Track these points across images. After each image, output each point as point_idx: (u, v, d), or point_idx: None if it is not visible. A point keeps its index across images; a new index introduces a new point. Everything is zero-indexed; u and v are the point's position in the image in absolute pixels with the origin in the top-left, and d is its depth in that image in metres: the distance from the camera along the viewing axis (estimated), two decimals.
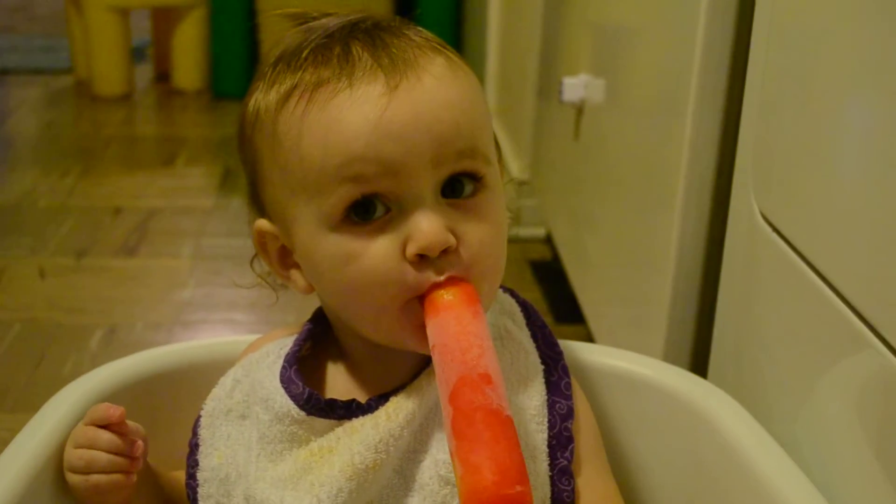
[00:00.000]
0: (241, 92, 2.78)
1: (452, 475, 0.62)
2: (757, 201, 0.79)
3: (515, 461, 0.55)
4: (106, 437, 0.66)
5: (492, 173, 0.64)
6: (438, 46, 0.64)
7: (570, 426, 0.67)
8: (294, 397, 0.65)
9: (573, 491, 0.66)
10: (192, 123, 2.82)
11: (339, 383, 0.69)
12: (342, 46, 0.62)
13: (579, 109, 1.39)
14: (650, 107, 1.07)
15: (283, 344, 0.71)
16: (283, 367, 0.67)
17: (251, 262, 0.72)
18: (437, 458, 0.64)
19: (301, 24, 0.67)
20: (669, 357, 0.96)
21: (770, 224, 0.76)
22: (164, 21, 3.14)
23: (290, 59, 0.64)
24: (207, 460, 0.69)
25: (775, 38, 0.78)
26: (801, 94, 0.73)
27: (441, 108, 0.60)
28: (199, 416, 0.71)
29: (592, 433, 0.70)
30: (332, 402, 0.65)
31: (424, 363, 0.66)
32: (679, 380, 0.77)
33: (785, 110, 0.76)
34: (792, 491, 0.64)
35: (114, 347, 1.52)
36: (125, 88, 3.01)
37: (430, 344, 0.60)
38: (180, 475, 0.73)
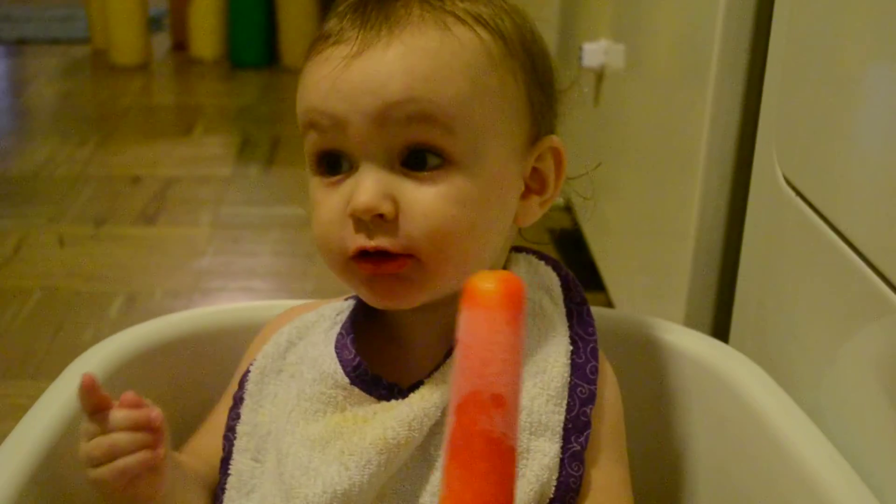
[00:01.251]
0: (258, 61, 2.78)
1: None
2: (780, 166, 0.79)
3: (501, 495, 0.52)
4: (117, 415, 0.61)
5: (467, 152, 0.62)
6: (454, 19, 0.63)
7: (589, 411, 0.66)
8: (344, 363, 0.66)
9: (581, 477, 0.65)
10: (210, 93, 2.82)
11: (383, 359, 0.68)
12: (363, 4, 0.64)
13: (599, 75, 1.38)
14: (672, 72, 1.07)
15: (338, 309, 0.71)
16: (341, 333, 0.68)
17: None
18: None
19: None
20: (690, 325, 0.96)
21: (793, 188, 0.76)
22: None
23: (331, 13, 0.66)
24: (251, 415, 0.69)
25: (798, 1, 0.77)
26: (825, 58, 0.72)
27: (396, 73, 0.61)
28: (248, 371, 0.70)
29: (615, 421, 0.69)
30: (377, 380, 0.66)
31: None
32: (702, 345, 0.77)
33: (808, 74, 0.75)
34: (816, 456, 0.64)
35: (133, 315, 1.52)
36: (142, 58, 3.00)
37: (457, 334, 0.55)
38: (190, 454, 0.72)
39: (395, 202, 0.61)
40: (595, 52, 1.34)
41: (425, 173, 0.62)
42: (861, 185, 0.66)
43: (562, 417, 0.65)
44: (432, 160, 0.62)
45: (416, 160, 0.62)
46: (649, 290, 1.14)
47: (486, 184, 0.63)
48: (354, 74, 0.61)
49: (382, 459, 0.62)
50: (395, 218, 0.61)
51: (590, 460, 0.66)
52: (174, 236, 1.85)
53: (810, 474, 0.63)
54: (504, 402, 0.54)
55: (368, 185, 0.61)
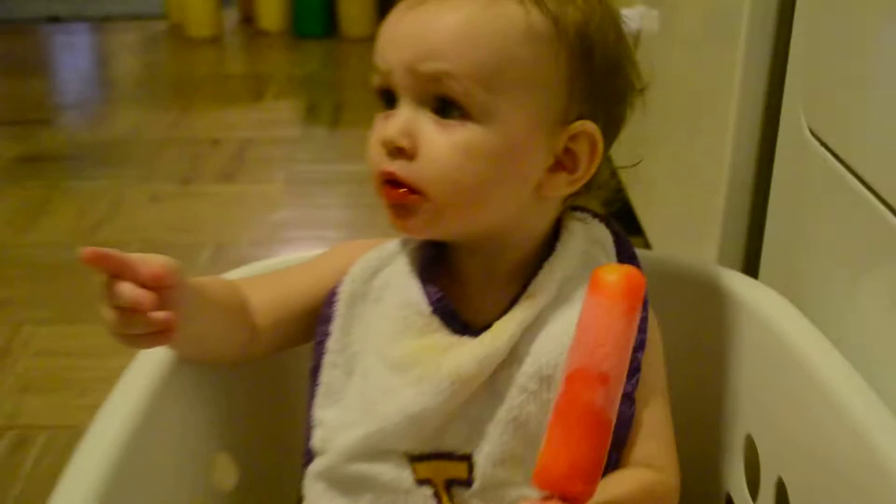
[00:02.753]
0: (319, 31, 2.79)
1: (530, 385, 0.64)
2: (806, 118, 0.79)
3: (591, 463, 0.55)
4: (126, 288, 0.57)
5: (485, 112, 0.62)
6: None
7: (640, 357, 0.67)
8: (429, 294, 0.67)
9: (632, 415, 0.66)
10: (277, 62, 2.82)
11: (453, 297, 0.69)
12: None
13: (636, 39, 1.37)
14: (703, 33, 1.06)
15: (419, 244, 0.71)
16: (424, 265, 0.69)
17: None
18: (520, 371, 0.65)
19: None
20: (723, 264, 0.95)
21: (818, 139, 0.76)
22: None
23: None
24: (341, 333, 0.70)
25: None
26: (847, 15, 0.72)
27: (430, 31, 0.63)
28: (336, 292, 0.70)
29: (659, 364, 0.70)
30: (455, 315, 0.67)
31: (521, 289, 0.67)
32: (734, 281, 0.77)
33: (832, 31, 0.75)
34: (839, 378, 0.65)
35: (221, 263, 1.55)
36: (215, 31, 3.01)
37: (580, 315, 0.57)
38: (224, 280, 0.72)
39: (414, 140, 0.63)
40: (632, 17, 1.33)
41: (447, 121, 0.63)
42: (881, 135, 0.66)
43: None
44: (454, 111, 0.63)
45: (442, 108, 0.63)
46: (684, 233, 1.14)
47: (502, 143, 0.63)
48: (403, 27, 0.64)
49: (454, 389, 0.64)
50: (415, 154, 0.63)
51: (639, 400, 0.67)
52: (252, 192, 1.88)
53: (835, 395, 0.64)
54: (608, 381, 0.56)
55: (397, 121, 0.63)
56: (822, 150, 0.75)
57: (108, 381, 0.67)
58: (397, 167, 0.63)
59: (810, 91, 0.79)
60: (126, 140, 2.17)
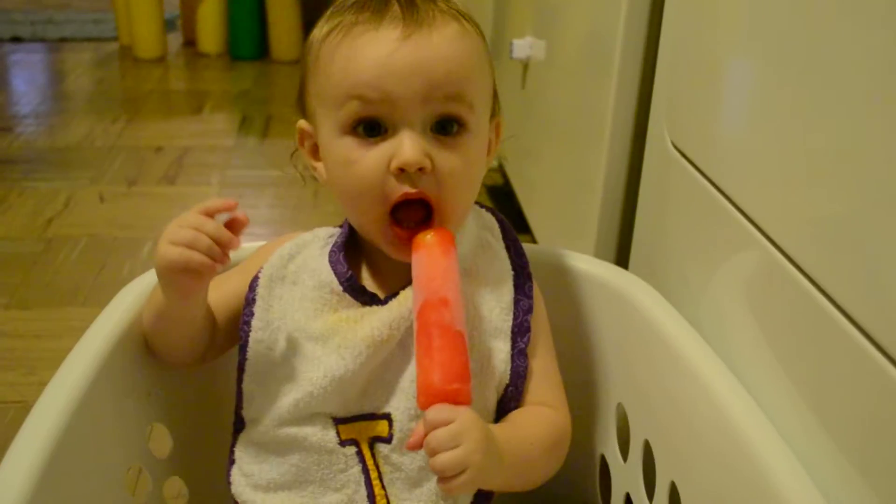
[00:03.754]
0: (252, 54, 2.75)
1: None
2: (669, 133, 0.79)
3: (457, 365, 0.56)
4: (211, 224, 0.60)
5: (476, 122, 0.63)
6: (459, 15, 0.64)
7: (529, 319, 0.67)
8: (338, 275, 0.66)
9: (526, 367, 0.67)
10: (215, 80, 2.76)
11: (364, 275, 0.69)
12: (385, 1, 0.62)
13: (525, 65, 1.37)
14: (583, 62, 1.06)
15: (329, 233, 0.71)
16: (333, 250, 0.68)
17: (291, 156, 0.71)
18: None
19: None
20: (598, 257, 0.96)
21: (679, 151, 0.77)
22: None
23: (344, 3, 0.64)
24: (263, 312, 0.67)
25: (682, 5, 0.78)
26: (701, 50, 0.73)
27: (438, 60, 0.60)
28: (257, 278, 0.68)
29: (544, 326, 0.70)
30: (363, 289, 0.66)
31: None
32: (608, 271, 0.78)
33: (689, 62, 0.75)
34: (698, 358, 0.65)
35: None
36: (160, 52, 2.94)
37: (413, 275, 0.61)
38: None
39: (430, 159, 0.61)
40: (522, 46, 1.33)
41: (448, 138, 0.62)
42: (731, 149, 0.67)
43: (510, 324, 0.67)
44: (454, 127, 0.62)
45: (443, 127, 0.62)
46: (566, 231, 1.15)
47: (481, 146, 0.65)
48: (404, 57, 0.59)
49: (370, 352, 0.63)
50: (432, 172, 0.61)
51: (531, 355, 0.67)
52: (190, 193, 1.82)
53: (692, 368, 0.64)
54: (448, 302, 0.59)
55: (413, 146, 0.60)
56: (683, 160, 0.76)
57: (54, 361, 0.64)
58: (425, 186, 0.61)
59: (672, 111, 0.79)
60: (78, 147, 2.09)
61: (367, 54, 0.60)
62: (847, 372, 0.50)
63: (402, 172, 0.60)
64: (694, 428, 0.63)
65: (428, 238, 0.61)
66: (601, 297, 0.77)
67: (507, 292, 0.68)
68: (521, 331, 0.67)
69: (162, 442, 0.74)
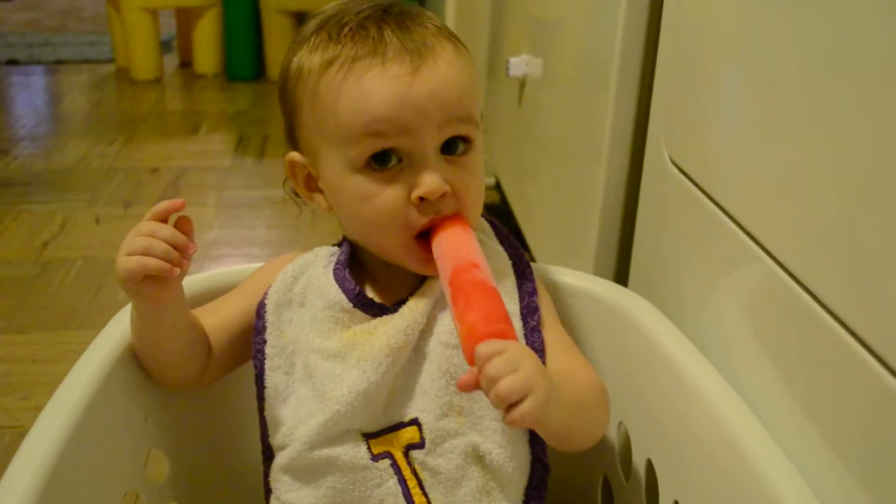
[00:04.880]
0: (249, 75, 2.76)
1: (452, 340, 0.64)
2: (667, 150, 0.79)
3: (498, 309, 0.57)
4: (167, 229, 0.61)
5: (478, 136, 0.65)
6: (448, 34, 0.65)
7: (535, 299, 0.69)
8: (346, 292, 0.67)
9: (542, 341, 0.67)
10: (211, 101, 2.77)
11: (368, 289, 0.69)
12: (376, 29, 0.63)
13: (522, 83, 1.38)
14: (580, 80, 1.07)
15: (330, 252, 0.71)
16: (338, 268, 0.68)
17: (283, 183, 0.72)
18: (439, 331, 0.66)
19: None
20: (597, 275, 0.96)
21: (677, 167, 0.77)
22: (187, 18, 3.07)
23: (332, 32, 0.63)
24: (275, 339, 0.68)
25: (679, 24, 0.78)
26: (698, 67, 0.73)
27: (449, 86, 0.62)
28: (264, 304, 0.68)
29: (549, 303, 0.71)
30: (371, 301, 0.67)
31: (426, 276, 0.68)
32: (607, 289, 0.78)
33: (686, 79, 0.76)
34: (699, 374, 0.65)
35: None
36: (156, 74, 2.95)
37: (435, 257, 0.63)
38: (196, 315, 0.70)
39: (448, 182, 0.63)
40: (518, 64, 1.33)
41: (457, 157, 0.64)
42: (729, 164, 0.66)
43: (517, 306, 0.68)
44: (461, 146, 0.64)
45: (451, 147, 0.63)
46: (564, 249, 1.15)
47: (482, 157, 0.67)
48: (419, 91, 0.60)
49: (390, 361, 0.64)
50: (451, 195, 0.63)
51: (544, 330, 0.68)
52: (187, 214, 1.81)
53: (693, 385, 0.64)
54: (477, 265, 0.61)
55: (433, 176, 0.62)
56: (681, 176, 0.76)
57: (51, 385, 0.64)
58: (445, 208, 0.63)
59: (670, 127, 0.79)
60: (75, 168, 2.09)
61: (381, 92, 0.60)
62: (849, 386, 0.50)
63: (422, 202, 0.62)
64: (696, 446, 0.62)
65: (446, 223, 0.64)
66: (600, 315, 0.76)
67: (509, 279, 0.69)
68: (529, 311, 0.68)
69: (159, 467, 0.73)
